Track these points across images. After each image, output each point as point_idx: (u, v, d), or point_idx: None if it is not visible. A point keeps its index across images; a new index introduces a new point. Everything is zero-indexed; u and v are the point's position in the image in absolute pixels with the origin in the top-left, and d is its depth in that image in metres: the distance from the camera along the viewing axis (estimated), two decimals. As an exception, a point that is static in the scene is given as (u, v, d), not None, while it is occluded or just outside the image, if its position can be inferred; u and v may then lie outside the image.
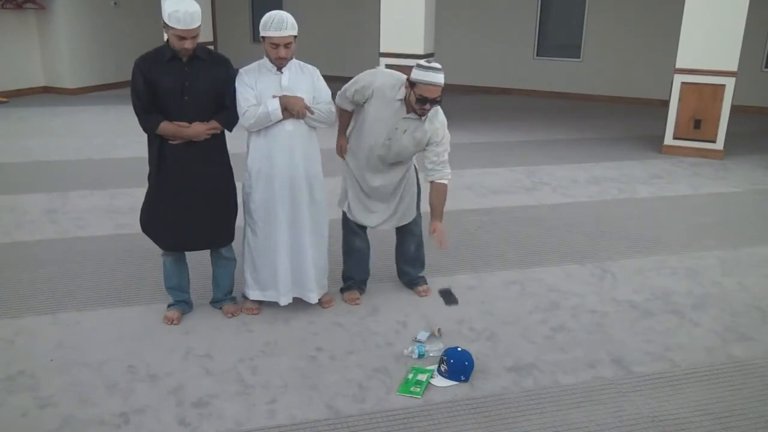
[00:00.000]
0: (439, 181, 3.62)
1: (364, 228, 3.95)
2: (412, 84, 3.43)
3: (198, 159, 3.44)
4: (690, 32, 7.50)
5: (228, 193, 3.62)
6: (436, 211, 3.61)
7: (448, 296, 3.61)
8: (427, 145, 3.59)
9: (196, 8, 3.23)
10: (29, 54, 11.51)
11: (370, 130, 3.60)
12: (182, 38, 3.23)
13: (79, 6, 11.51)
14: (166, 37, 3.31)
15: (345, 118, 3.78)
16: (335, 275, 4.05)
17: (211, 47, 9.74)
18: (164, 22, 3.24)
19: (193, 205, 3.48)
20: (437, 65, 3.42)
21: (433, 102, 3.43)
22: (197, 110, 3.37)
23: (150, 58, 3.36)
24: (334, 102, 3.66)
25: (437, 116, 3.60)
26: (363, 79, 3.59)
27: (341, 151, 3.83)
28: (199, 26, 3.26)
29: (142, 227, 3.61)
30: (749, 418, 2.93)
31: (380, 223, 3.88)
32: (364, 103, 3.59)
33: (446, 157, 3.62)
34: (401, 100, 3.52)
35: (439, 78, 3.38)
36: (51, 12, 11.28)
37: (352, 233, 3.94)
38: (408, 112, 3.54)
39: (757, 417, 2.94)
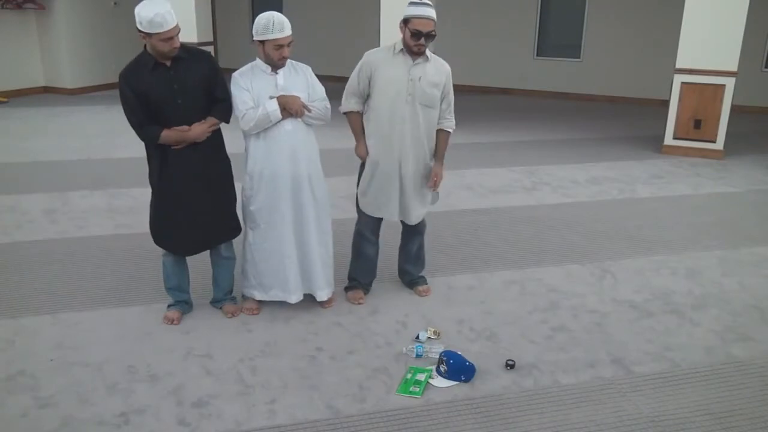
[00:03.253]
0: (448, 130, 3.82)
1: (376, 234, 3.95)
2: (405, 22, 3.53)
3: (202, 159, 3.45)
4: (690, 32, 7.50)
5: (229, 186, 3.64)
6: (441, 157, 3.85)
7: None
8: (444, 87, 3.70)
9: (168, 7, 3.20)
10: (29, 54, 11.51)
11: (387, 97, 3.61)
12: (169, 39, 3.20)
13: (79, 6, 11.52)
14: (149, 45, 3.24)
15: (357, 121, 3.75)
16: (337, 275, 4.05)
17: (211, 47, 9.79)
18: (143, 33, 3.18)
19: (201, 205, 3.49)
20: (428, 1, 3.56)
21: (428, 36, 3.52)
22: (192, 110, 3.36)
23: (134, 69, 3.31)
24: (340, 110, 3.71)
25: (442, 62, 3.73)
26: (357, 68, 3.66)
27: (363, 153, 3.78)
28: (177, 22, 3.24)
29: (155, 240, 3.59)
30: (749, 418, 2.93)
31: (390, 212, 3.82)
32: (370, 89, 3.64)
33: (452, 106, 3.82)
34: (401, 50, 3.60)
35: (431, 12, 3.52)
36: (51, 12, 11.28)
37: (365, 240, 3.93)
38: (414, 60, 3.59)
39: (757, 417, 2.94)
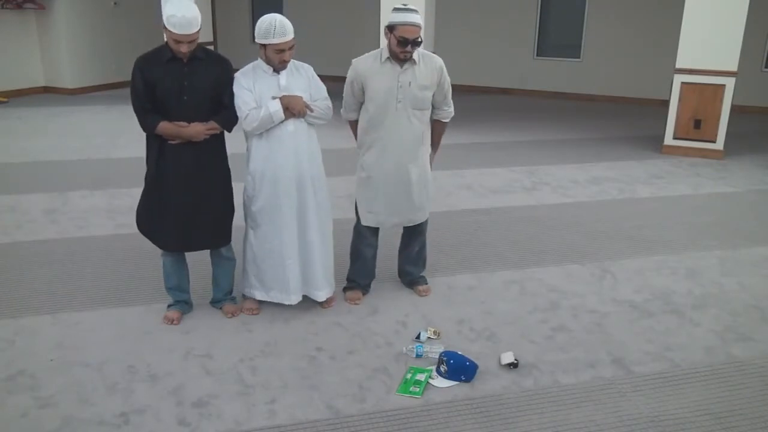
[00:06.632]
0: (444, 120, 3.88)
1: (375, 236, 3.95)
2: (390, 29, 3.48)
3: (196, 160, 3.44)
4: (690, 32, 7.50)
5: (225, 193, 3.62)
6: (436, 146, 3.96)
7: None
8: (437, 84, 3.68)
9: (195, 14, 3.21)
10: (29, 54, 11.52)
11: (379, 107, 3.61)
12: (178, 42, 3.23)
13: (79, 6, 11.52)
14: (165, 37, 3.31)
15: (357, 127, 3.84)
16: (337, 275, 4.05)
17: (211, 47, 9.77)
18: (163, 24, 3.24)
19: (191, 205, 3.48)
20: (413, 6, 3.51)
21: (414, 43, 3.48)
22: (196, 110, 3.37)
23: (150, 57, 3.37)
24: (343, 117, 3.80)
25: (433, 58, 3.69)
26: (348, 80, 3.67)
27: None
28: (198, 31, 3.25)
29: (138, 227, 3.61)
30: (749, 418, 2.93)
31: (401, 217, 3.85)
32: (364, 97, 3.65)
33: (450, 95, 3.81)
34: (388, 58, 3.57)
35: (416, 17, 3.46)
36: (51, 12, 11.28)
37: (364, 241, 3.92)
38: (402, 66, 3.57)
39: (757, 417, 2.94)
